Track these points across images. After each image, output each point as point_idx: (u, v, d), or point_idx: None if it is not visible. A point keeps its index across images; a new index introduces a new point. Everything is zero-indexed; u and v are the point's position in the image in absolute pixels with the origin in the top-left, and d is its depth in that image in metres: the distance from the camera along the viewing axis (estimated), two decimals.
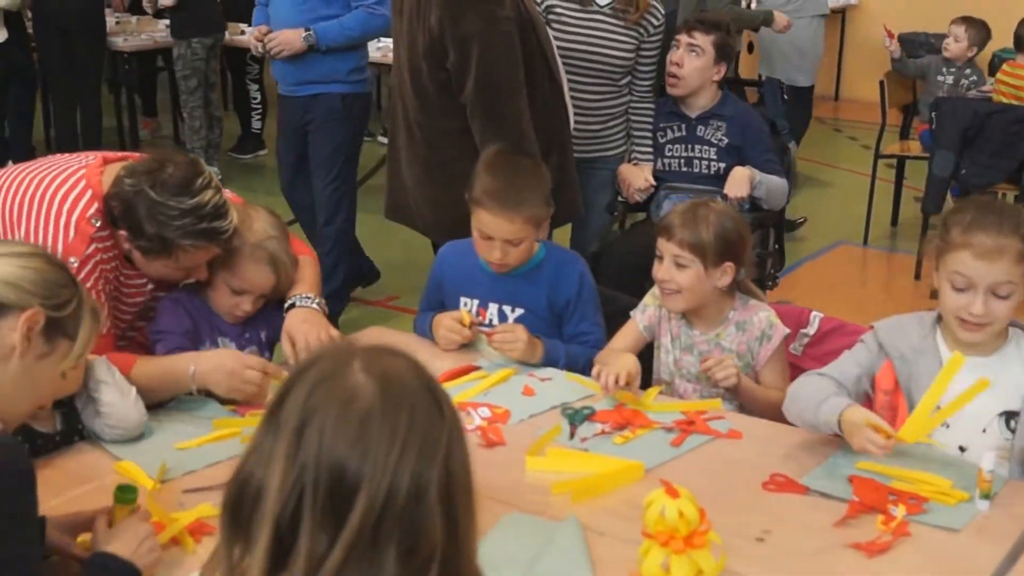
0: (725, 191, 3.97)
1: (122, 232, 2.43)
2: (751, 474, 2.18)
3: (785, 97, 4.62)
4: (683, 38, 4.12)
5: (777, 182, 4.08)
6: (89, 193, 2.44)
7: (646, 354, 2.78)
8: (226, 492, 1.22)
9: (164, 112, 8.70)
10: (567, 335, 2.78)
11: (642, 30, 4.03)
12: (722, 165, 4.09)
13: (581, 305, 2.79)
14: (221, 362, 2.40)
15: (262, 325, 2.69)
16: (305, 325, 2.56)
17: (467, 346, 2.76)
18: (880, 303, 5.54)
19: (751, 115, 4.23)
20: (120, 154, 2.62)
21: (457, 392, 2.52)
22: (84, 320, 1.86)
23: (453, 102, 3.33)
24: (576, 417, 2.40)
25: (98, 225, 2.43)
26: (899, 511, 1.99)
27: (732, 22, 5.64)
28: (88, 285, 2.39)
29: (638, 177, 4.13)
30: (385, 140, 7.54)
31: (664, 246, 2.64)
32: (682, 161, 4.18)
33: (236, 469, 1.23)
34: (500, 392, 2.53)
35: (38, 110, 7.56)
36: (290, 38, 4.64)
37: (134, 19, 7.84)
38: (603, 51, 4.00)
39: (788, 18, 6.29)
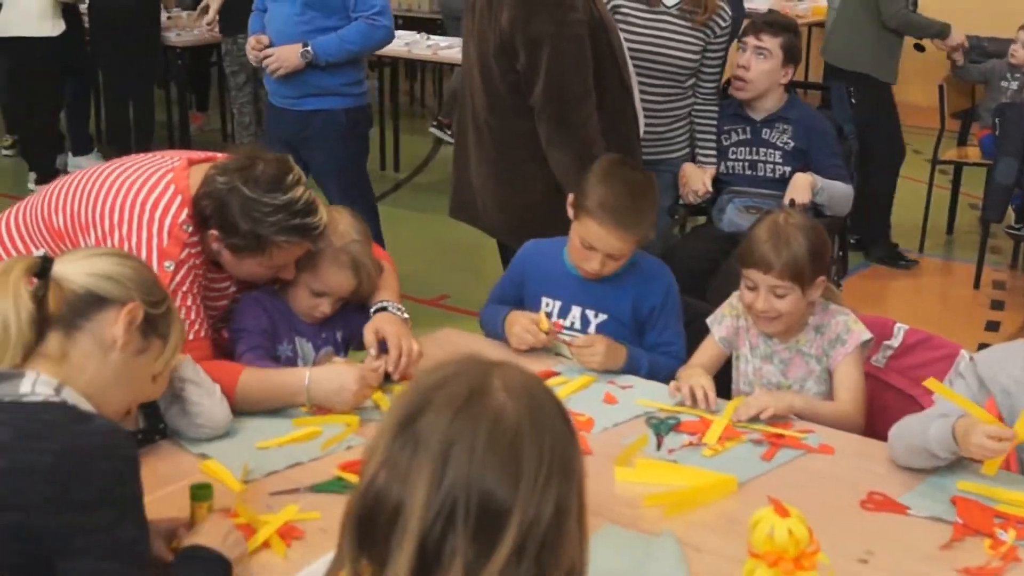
0: (786, 198, 3.91)
1: (213, 232, 2.41)
2: (847, 491, 2.13)
3: (852, 101, 4.55)
4: (750, 40, 4.06)
5: (841, 188, 4.01)
6: (179, 198, 2.42)
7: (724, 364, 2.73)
8: (355, 505, 1.20)
9: (213, 108, 8.70)
10: (648, 344, 2.73)
11: (708, 31, 3.98)
12: (787, 169, 4.04)
13: (665, 315, 2.74)
14: (343, 382, 2.38)
15: (339, 325, 2.66)
16: (395, 326, 2.55)
17: (544, 349, 2.72)
18: (937, 312, 5.47)
19: (818, 118, 4.17)
20: (204, 154, 2.59)
21: None
22: (174, 323, 1.87)
23: (524, 103, 3.30)
24: (661, 427, 2.36)
25: (190, 231, 2.41)
26: (1008, 536, 1.93)
27: (904, 27, 5.59)
28: (184, 289, 2.39)
29: (697, 179, 4.08)
30: (439, 132, 7.58)
31: (759, 278, 2.54)
32: (746, 164, 4.12)
33: (365, 481, 1.20)
34: (581, 399, 2.49)
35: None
36: (287, 55, 4.41)
37: (185, 14, 7.83)
38: (669, 52, 3.94)
39: (963, 37, 6.17)
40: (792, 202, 3.86)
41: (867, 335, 2.58)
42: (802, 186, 3.92)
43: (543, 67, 3.21)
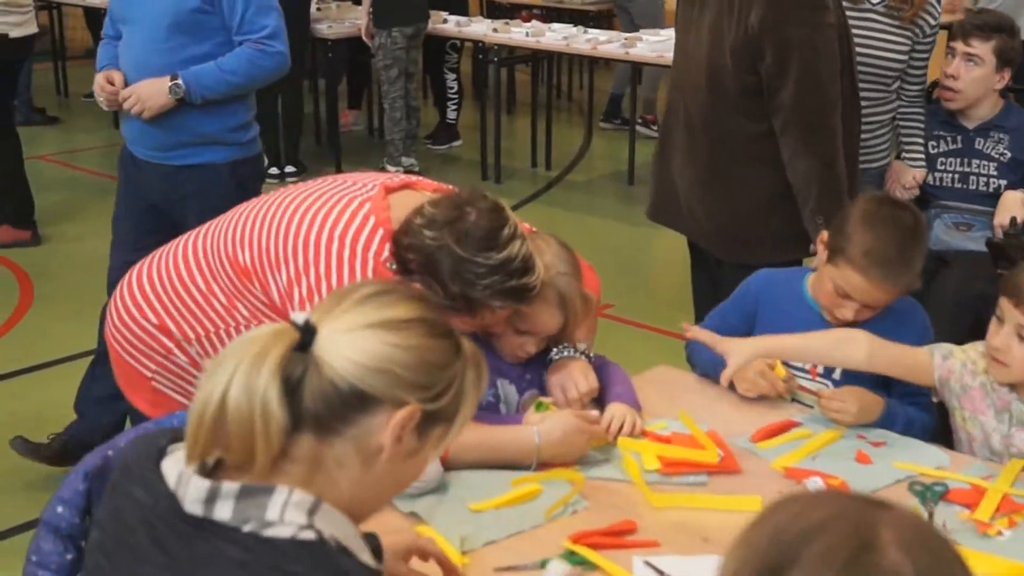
0: (994, 220, 3.57)
1: (416, 286, 2.16)
2: None
3: None
4: (959, 46, 3.71)
5: None
6: (380, 232, 2.18)
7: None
8: None
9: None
10: (896, 393, 2.41)
11: (917, 30, 3.65)
12: (1002, 183, 3.69)
13: None
14: (566, 428, 2.14)
15: (544, 365, 2.40)
16: (574, 372, 2.32)
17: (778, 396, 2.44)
18: None
19: None
20: (399, 180, 2.34)
21: (780, 454, 2.20)
22: (467, 394, 1.41)
23: (757, 106, 3.04)
24: (929, 496, 2.05)
25: (394, 269, 2.16)
26: None
27: None
28: None
29: (906, 173, 3.76)
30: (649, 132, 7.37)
31: (1009, 311, 2.21)
32: (956, 176, 3.78)
33: None
34: (829, 457, 2.20)
35: None
36: (152, 92, 3.39)
37: (335, 5, 7.70)
38: (875, 53, 3.62)
39: None
40: (1015, 221, 3.52)
41: None
42: (1013, 205, 3.57)
43: (794, 71, 2.96)
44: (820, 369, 2.47)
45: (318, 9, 7.34)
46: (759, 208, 3.11)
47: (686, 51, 3.19)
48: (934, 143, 3.81)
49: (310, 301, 2.16)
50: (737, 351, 2.32)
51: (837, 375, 2.45)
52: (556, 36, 6.86)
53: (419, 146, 7.46)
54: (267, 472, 1.28)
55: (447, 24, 7.22)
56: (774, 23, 2.91)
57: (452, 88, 7.87)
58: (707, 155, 3.15)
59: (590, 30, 7.10)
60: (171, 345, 2.42)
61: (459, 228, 2.10)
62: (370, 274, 2.15)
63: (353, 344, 1.31)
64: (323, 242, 2.18)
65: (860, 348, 2.29)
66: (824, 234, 2.46)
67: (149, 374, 2.46)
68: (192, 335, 2.39)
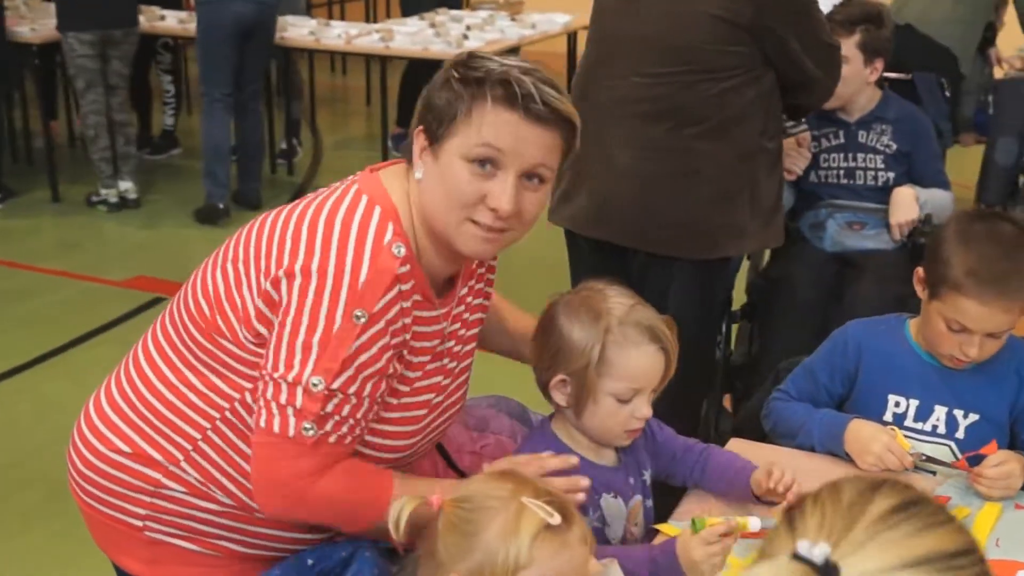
0: (891, 220, 3.44)
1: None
2: None
3: (947, 94, 4.08)
4: None
5: (943, 196, 3.53)
6: (377, 210, 1.69)
7: None
8: None
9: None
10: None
11: None
12: (891, 175, 3.54)
13: None
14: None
15: (646, 462, 1.94)
16: None
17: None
18: None
19: (919, 118, 3.66)
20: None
21: None
22: None
23: (738, 84, 2.75)
24: None
25: (402, 255, 1.67)
26: None
27: None
28: (371, 370, 1.66)
29: (794, 140, 3.54)
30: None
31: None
32: (842, 172, 3.60)
33: None
34: (1010, 540, 1.87)
35: None
36: None
37: (22, 3, 6.66)
38: None
39: None
40: (930, 219, 3.39)
41: None
42: (907, 202, 3.45)
43: (810, 38, 2.83)
44: (942, 428, 2.15)
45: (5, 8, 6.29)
46: (728, 195, 2.80)
47: (624, 34, 2.78)
48: (816, 142, 3.61)
49: (302, 296, 1.63)
50: None
51: (960, 433, 2.15)
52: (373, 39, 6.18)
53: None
54: None
55: (165, 21, 6.40)
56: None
57: (168, 91, 7.02)
58: (672, 144, 2.76)
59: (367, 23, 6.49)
60: (157, 476, 1.81)
61: None
62: (365, 267, 1.63)
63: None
64: (304, 228, 1.68)
65: None
66: (919, 271, 2.15)
67: (140, 523, 1.83)
68: (179, 454, 1.79)
